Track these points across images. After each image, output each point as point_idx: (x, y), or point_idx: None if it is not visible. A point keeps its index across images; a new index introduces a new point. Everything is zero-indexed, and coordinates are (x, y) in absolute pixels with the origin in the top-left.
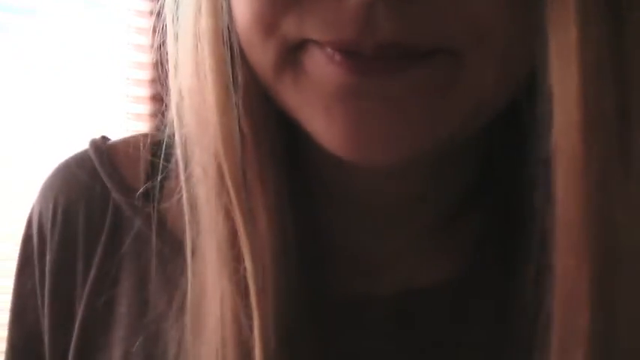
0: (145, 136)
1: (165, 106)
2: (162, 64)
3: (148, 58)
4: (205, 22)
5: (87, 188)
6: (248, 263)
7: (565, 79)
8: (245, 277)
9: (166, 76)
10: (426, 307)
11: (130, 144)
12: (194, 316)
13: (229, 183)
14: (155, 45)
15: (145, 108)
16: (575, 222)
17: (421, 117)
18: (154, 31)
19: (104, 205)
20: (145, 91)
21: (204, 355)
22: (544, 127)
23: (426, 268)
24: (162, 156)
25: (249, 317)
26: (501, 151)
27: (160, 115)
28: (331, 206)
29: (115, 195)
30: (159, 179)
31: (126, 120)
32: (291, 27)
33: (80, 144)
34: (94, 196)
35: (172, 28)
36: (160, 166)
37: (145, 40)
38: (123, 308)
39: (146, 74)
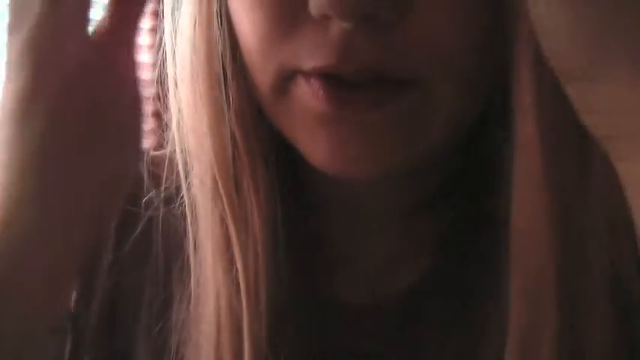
0: (162, 154)
1: (166, 107)
2: (162, 64)
3: (148, 58)
4: (200, 41)
5: None
6: (240, 266)
7: (523, 96)
8: (237, 277)
9: (166, 76)
10: (406, 308)
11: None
12: (194, 307)
13: (223, 193)
14: (155, 45)
15: (145, 108)
16: (533, 230)
17: (393, 141)
18: (154, 31)
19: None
20: (145, 92)
21: (204, 342)
22: (507, 140)
23: (403, 269)
24: (167, 167)
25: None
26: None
27: (160, 116)
28: (321, 214)
29: (149, 192)
30: (162, 188)
31: None
32: (287, 54)
33: None
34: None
35: (170, 44)
36: (160, 175)
37: (145, 40)
38: (142, 309)
39: (146, 74)
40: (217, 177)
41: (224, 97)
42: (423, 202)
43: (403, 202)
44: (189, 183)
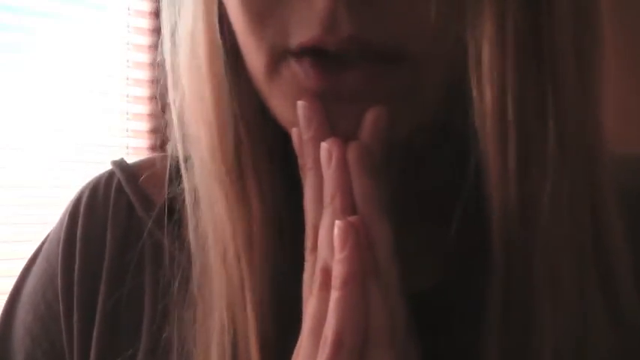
0: (165, 156)
1: (166, 106)
2: (162, 64)
3: (147, 58)
4: (201, 26)
5: (114, 205)
6: (243, 257)
7: (481, 70)
8: (240, 267)
9: (166, 76)
10: (415, 314)
11: (151, 164)
12: (200, 297)
13: (224, 172)
14: (155, 45)
15: (145, 108)
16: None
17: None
18: (154, 31)
19: (129, 220)
20: (145, 91)
21: (213, 331)
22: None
23: (412, 273)
24: (169, 172)
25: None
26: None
27: (160, 116)
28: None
29: (139, 210)
30: (166, 195)
31: (126, 120)
32: (276, 32)
33: (80, 144)
34: (121, 212)
35: (169, 33)
36: (166, 179)
37: (145, 40)
38: (145, 311)
39: (146, 74)
40: (220, 161)
41: (225, 79)
42: (426, 209)
43: (409, 205)
44: (190, 172)
